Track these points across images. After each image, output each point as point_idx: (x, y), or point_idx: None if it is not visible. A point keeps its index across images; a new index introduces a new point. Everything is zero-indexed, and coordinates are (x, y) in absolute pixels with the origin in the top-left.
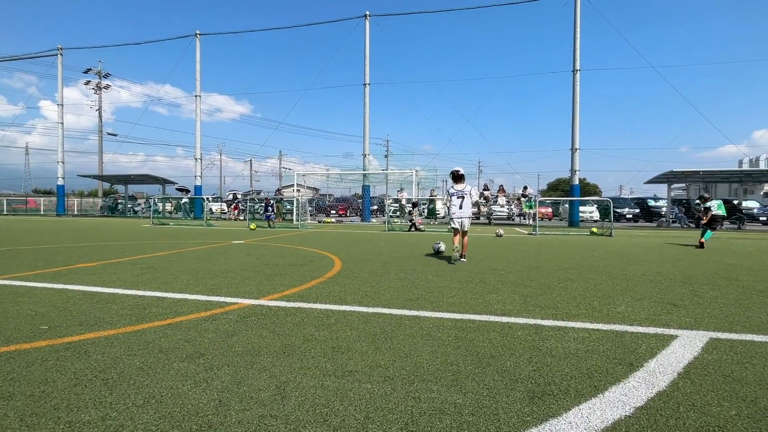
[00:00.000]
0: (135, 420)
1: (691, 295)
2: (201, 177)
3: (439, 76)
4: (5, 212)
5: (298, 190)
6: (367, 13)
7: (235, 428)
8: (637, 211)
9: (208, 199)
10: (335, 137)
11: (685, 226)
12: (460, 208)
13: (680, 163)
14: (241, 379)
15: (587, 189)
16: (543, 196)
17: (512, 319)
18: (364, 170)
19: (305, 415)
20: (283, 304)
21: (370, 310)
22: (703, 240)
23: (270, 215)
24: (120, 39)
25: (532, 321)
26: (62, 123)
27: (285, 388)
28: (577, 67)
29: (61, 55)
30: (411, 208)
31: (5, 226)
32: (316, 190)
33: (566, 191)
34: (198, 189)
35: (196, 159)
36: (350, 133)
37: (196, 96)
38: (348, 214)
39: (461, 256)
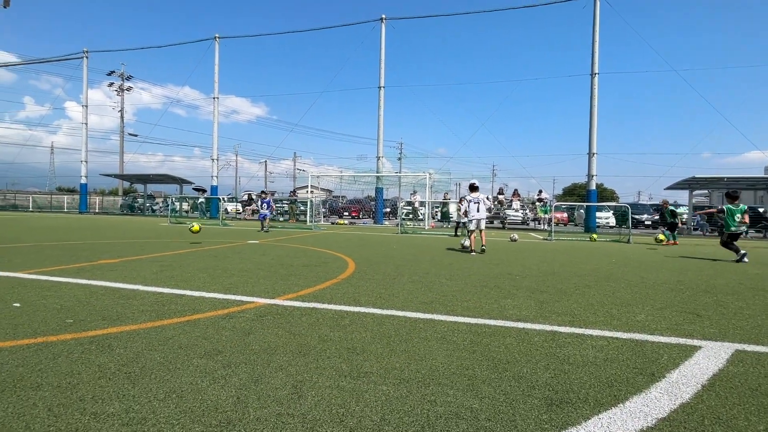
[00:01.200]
0: (157, 413)
1: (715, 305)
2: (217, 177)
3: (454, 79)
4: (31, 209)
5: (312, 192)
6: (383, 16)
7: (253, 425)
8: (657, 217)
9: (223, 199)
10: (349, 139)
11: (707, 233)
12: (477, 211)
13: (702, 168)
14: (259, 377)
15: (604, 194)
16: (558, 201)
17: (528, 325)
18: (377, 173)
19: (322, 414)
20: (298, 304)
21: (385, 312)
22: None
23: (265, 214)
24: (142, 42)
25: (548, 327)
26: (86, 123)
27: (301, 388)
28: (596, 70)
29: (87, 57)
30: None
31: (31, 222)
32: (329, 191)
33: (582, 196)
34: (214, 189)
35: (213, 160)
36: (364, 135)
37: (214, 98)
38: (361, 216)
39: (482, 249)
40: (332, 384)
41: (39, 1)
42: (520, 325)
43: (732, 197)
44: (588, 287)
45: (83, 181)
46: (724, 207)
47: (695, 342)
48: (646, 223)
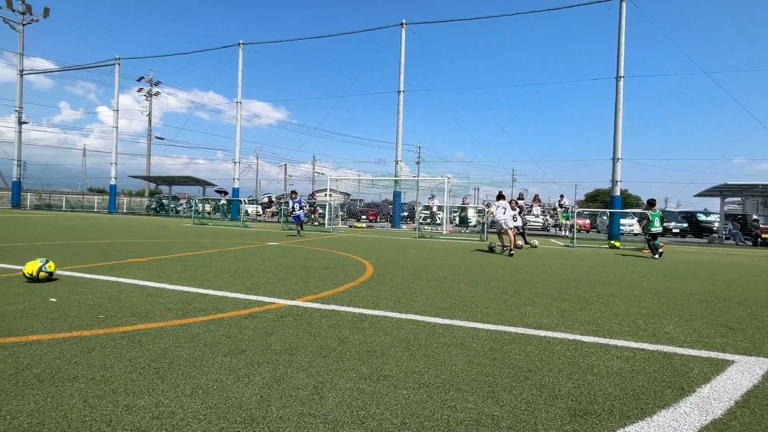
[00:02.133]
0: (185, 408)
1: (749, 317)
2: (238, 180)
3: (474, 83)
4: (64, 208)
5: (331, 195)
6: (404, 21)
7: (276, 424)
8: (686, 225)
9: (244, 201)
10: (368, 143)
11: (740, 243)
12: (504, 214)
13: (735, 175)
14: (281, 376)
15: (629, 201)
16: (580, 207)
17: (549, 333)
18: (395, 176)
19: (343, 416)
20: (318, 306)
21: (403, 316)
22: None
23: (299, 216)
24: (169, 48)
25: (570, 336)
26: (117, 127)
27: (322, 389)
28: (621, 73)
29: (119, 64)
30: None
31: (65, 222)
32: (347, 195)
33: (606, 202)
34: (236, 191)
35: (235, 162)
36: (383, 139)
37: (237, 102)
38: (378, 220)
39: (510, 251)
40: (353, 386)
41: (73, 10)
42: (542, 333)
43: (651, 204)
44: (612, 296)
45: (113, 182)
46: (648, 213)
47: (728, 356)
48: (674, 231)
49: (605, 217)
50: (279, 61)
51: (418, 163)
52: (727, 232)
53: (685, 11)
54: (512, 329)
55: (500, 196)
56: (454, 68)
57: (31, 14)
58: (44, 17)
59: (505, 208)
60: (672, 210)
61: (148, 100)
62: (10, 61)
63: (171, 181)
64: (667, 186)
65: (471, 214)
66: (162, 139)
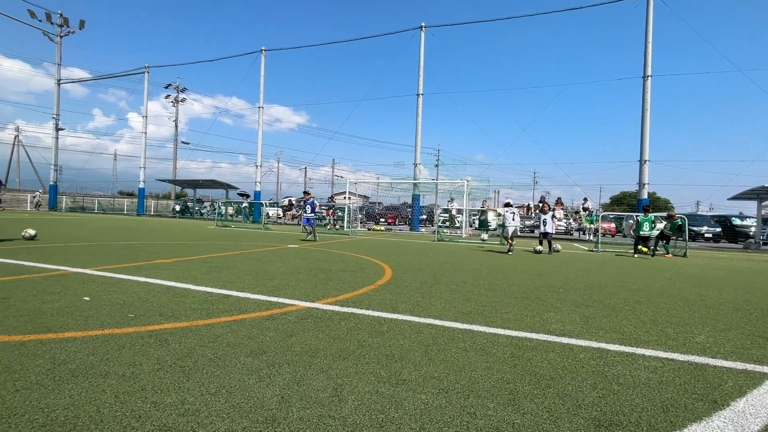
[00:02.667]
0: (209, 407)
1: None
2: (260, 183)
3: (494, 85)
4: (96, 211)
5: (350, 198)
6: (423, 24)
7: (296, 425)
8: (719, 230)
9: (265, 204)
10: (387, 146)
11: None
12: (513, 220)
13: None
14: (301, 378)
15: (657, 204)
16: (605, 211)
17: (573, 341)
18: (414, 179)
19: (362, 419)
20: (337, 308)
21: (422, 320)
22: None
23: (308, 219)
24: (195, 55)
25: (595, 344)
26: (145, 133)
27: (342, 391)
28: (648, 72)
29: (148, 72)
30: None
31: (97, 223)
32: (366, 197)
33: (632, 206)
34: (257, 194)
35: (256, 166)
36: (402, 142)
37: (259, 107)
38: (397, 223)
39: (509, 250)
40: (371, 389)
41: (104, 19)
42: (564, 340)
43: (645, 210)
44: (639, 303)
45: (141, 185)
46: (638, 218)
47: (765, 369)
48: (706, 235)
49: (632, 221)
50: (299, 65)
51: (437, 165)
52: (764, 237)
53: (716, 5)
54: (534, 336)
55: (507, 205)
56: (474, 70)
57: (68, 26)
58: (80, 29)
59: (514, 213)
60: (704, 214)
61: (174, 106)
62: (49, 71)
63: (196, 184)
64: (698, 189)
65: (491, 217)
66: (188, 143)
